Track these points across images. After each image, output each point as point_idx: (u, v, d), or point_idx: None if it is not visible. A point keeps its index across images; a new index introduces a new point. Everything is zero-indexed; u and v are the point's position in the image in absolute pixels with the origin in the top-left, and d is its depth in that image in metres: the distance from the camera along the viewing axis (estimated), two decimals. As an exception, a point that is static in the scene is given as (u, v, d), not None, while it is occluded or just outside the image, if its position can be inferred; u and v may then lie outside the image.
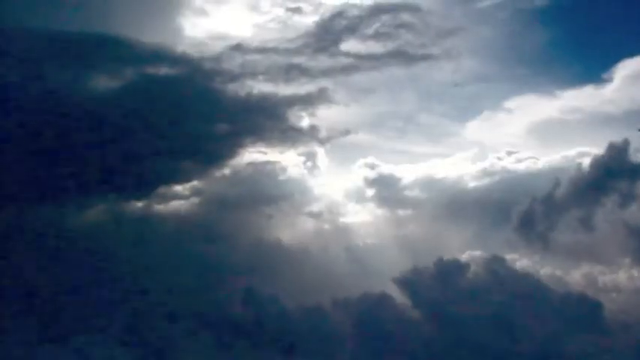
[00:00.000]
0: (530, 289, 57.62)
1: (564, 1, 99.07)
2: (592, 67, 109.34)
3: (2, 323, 54.69)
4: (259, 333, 57.46)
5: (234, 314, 60.10)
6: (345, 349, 56.55)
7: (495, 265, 59.91)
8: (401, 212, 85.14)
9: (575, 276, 64.69)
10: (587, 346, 52.86)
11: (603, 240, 61.38)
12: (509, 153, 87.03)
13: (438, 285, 58.53)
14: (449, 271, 59.48)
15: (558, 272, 64.53)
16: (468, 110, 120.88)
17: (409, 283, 59.59)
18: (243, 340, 56.80)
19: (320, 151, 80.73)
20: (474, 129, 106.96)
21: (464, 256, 63.70)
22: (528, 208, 64.48)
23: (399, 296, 60.43)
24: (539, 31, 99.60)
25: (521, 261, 65.75)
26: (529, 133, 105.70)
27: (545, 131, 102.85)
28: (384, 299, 58.82)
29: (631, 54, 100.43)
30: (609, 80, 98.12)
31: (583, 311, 55.36)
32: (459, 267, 60.26)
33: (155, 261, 66.27)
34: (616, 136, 79.29)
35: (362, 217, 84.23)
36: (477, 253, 66.39)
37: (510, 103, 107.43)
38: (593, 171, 61.67)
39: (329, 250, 75.22)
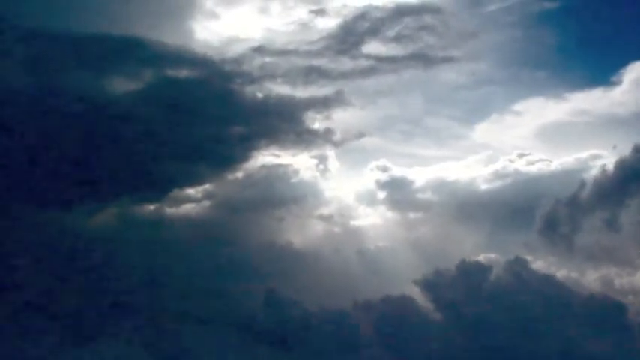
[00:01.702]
0: (552, 291, 57.79)
1: (572, 4, 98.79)
2: (600, 69, 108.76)
3: (23, 327, 54.63)
4: (280, 335, 57.46)
5: (255, 317, 60.22)
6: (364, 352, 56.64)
7: (517, 267, 59.99)
8: (412, 215, 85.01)
9: (591, 278, 64.70)
10: (611, 348, 53.04)
11: (626, 242, 61.40)
12: (521, 155, 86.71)
13: (460, 287, 58.62)
14: (471, 273, 59.54)
15: (574, 274, 64.53)
16: (476, 113, 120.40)
17: (430, 285, 59.63)
18: (264, 342, 56.80)
19: (331, 154, 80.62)
20: (483, 132, 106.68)
21: (479, 259, 63.64)
22: (550, 210, 64.60)
23: (420, 298, 60.53)
24: (547, 34, 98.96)
25: (535, 263, 65.44)
26: (538, 136, 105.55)
27: (554, 134, 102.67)
28: (405, 301, 58.76)
29: (639, 56, 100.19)
30: (618, 83, 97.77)
31: (606, 313, 55.62)
32: (480, 269, 60.33)
33: (168, 264, 66.16)
34: (625, 139, 79.81)
35: (373, 220, 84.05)
36: (492, 255, 66.65)
37: (519, 106, 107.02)
38: (617, 172, 61.78)
39: (341, 253, 75.10)
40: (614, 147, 72.66)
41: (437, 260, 68.04)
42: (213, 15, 74.64)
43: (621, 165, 62.11)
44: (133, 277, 63.59)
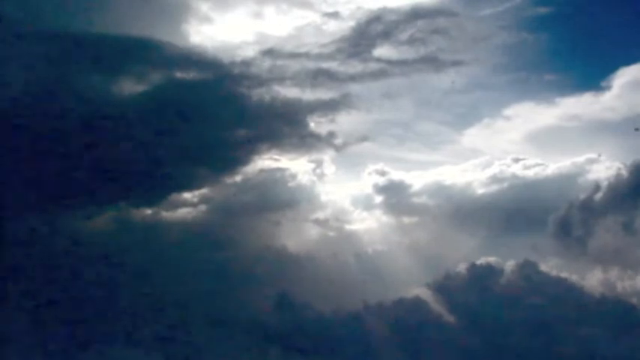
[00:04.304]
0: (562, 293, 58.36)
1: (564, 10, 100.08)
2: (591, 74, 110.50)
3: (27, 330, 53.75)
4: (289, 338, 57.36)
5: (264, 320, 59.99)
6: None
7: (526, 270, 60.47)
8: (407, 219, 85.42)
9: (593, 281, 65.09)
10: (624, 349, 53.58)
11: (634, 245, 61.73)
12: (516, 160, 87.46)
13: (471, 289, 58.92)
14: (481, 275, 59.91)
15: (575, 277, 64.84)
16: (466, 118, 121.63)
17: (441, 287, 59.93)
18: (276, 345, 56.68)
19: (327, 157, 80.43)
20: (473, 136, 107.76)
21: (490, 262, 63.85)
22: (560, 213, 65.05)
23: (430, 300, 60.86)
24: (538, 39, 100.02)
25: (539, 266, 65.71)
26: (528, 141, 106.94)
27: (544, 138, 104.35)
28: (418, 304, 58.99)
29: (629, 61, 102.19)
30: (608, 88, 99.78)
31: (618, 314, 56.19)
32: (491, 272, 60.70)
33: (164, 269, 65.46)
34: (615, 144, 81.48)
35: (368, 224, 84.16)
36: (492, 258, 66.90)
37: (509, 111, 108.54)
38: (631, 177, 62.23)
39: (339, 257, 74.93)
40: (599, 155, 75.03)
41: (436, 264, 68.62)
42: (208, 19, 73.74)
43: (635, 169, 62.66)
44: (133, 281, 62.74)
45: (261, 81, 67.97)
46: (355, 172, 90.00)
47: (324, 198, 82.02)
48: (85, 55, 58.72)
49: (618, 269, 61.82)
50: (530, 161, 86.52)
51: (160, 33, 64.00)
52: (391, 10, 74.10)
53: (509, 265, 62.19)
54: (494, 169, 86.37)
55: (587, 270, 63.48)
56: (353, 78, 71.40)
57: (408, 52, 75.14)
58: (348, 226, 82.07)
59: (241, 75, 67.25)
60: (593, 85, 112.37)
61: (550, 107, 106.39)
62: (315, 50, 70.58)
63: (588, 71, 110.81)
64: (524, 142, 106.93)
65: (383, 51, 74.32)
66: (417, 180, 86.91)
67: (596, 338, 55.21)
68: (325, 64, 70.71)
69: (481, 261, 62.88)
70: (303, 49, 70.74)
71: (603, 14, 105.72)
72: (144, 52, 61.38)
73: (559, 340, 55.38)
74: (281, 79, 69.10)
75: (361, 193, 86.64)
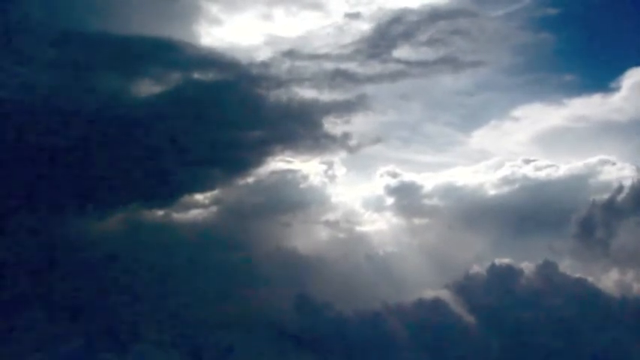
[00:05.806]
0: (583, 294, 58.24)
1: (573, 11, 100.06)
2: (599, 75, 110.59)
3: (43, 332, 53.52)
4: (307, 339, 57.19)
5: (281, 321, 60.00)
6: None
7: (546, 271, 60.34)
8: (419, 220, 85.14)
9: (608, 282, 64.80)
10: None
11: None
12: (527, 161, 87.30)
13: (490, 290, 58.80)
14: (502, 276, 59.76)
15: (591, 278, 64.64)
16: (474, 119, 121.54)
17: (460, 288, 59.78)
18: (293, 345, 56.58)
19: (337, 159, 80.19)
20: (481, 138, 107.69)
21: (510, 262, 63.60)
22: (582, 215, 64.84)
23: (451, 301, 60.66)
24: (546, 40, 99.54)
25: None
26: (536, 142, 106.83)
27: (552, 140, 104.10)
28: (437, 305, 58.82)
29: (638, 63, 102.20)
30: (617, 89, 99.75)
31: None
32: (511, 273, 60.55)
33: (177, 271, 65.23)
34: (624, 145, 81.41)
35: (379, 225, 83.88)
36: (506, 260, 66.69)
37: (517, 112, 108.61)
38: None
39: (349, 259, 74.62)
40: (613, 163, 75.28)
41: (448, 265, 68.52)
42: (218, 21, 73.29)
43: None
44: (143, 282, 62.62)
45: (279, 82, 67.91)
46: (365, 174, 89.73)
47: (334, 200, 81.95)
48: (102, 55, 58.37)
49: (634, 271, 61.66)
50: (541, 162, 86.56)
51: (172, 34, 64.22)
52: (412, 11, 74.17)
53: (529, 265, 62.13)
54: (505, 171, 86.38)
55: (604, 271, 63.31)
56: (371, 79, 71.41)
57: (427, 53, 75.27)
58: (358, 228, 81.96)
59: (260, 76, 67.23)
60: (601, 87, 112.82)
61: (558, 108, 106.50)
62: (335, 51, 70.74)
63: (597, 72, 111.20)
64: (532, 144, 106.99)
65: (402, 52, 74.41)
66: (428, 181, 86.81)
67: (617, 339, 55.16)
68: (344, 65, 70.73)
69: (501, 262, 62.59)
70: (322, 51, 70.94)
71: (611, 15, 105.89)
72: (162, 53, 61.17)
73: (580, 340, 55.31)
74: (299, 80, 69.03)
75: (372, 194, 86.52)
